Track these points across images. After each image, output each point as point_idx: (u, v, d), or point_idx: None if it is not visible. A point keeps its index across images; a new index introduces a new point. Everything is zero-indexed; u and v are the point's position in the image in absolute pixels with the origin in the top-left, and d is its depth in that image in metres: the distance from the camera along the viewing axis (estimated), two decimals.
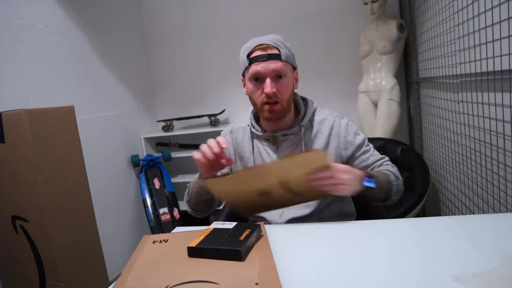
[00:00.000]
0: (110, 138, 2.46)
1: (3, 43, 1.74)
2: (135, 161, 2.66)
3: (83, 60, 2.28)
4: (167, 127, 2.88)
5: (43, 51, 1.97)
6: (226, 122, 2.93)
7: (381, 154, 1.14)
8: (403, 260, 0.68)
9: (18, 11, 1.83)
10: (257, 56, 1.02)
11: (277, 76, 1.03)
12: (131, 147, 2.71)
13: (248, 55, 1.04)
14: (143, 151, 2.82)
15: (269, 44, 1.02)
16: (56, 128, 1.49)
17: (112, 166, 2.48)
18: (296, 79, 1.12)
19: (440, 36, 1.76)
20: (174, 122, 2.95)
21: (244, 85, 1.11)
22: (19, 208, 1.48)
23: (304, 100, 1.17)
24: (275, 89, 1.02)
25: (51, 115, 1.48)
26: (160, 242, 0.85)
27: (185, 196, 1.18)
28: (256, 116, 1.18)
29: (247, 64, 1.04)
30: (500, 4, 1.13)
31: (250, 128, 1.16)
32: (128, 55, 2.80)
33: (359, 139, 1.11)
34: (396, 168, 1.09)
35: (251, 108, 1.17)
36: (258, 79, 1.04)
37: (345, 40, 2.66)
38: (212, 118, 2.77)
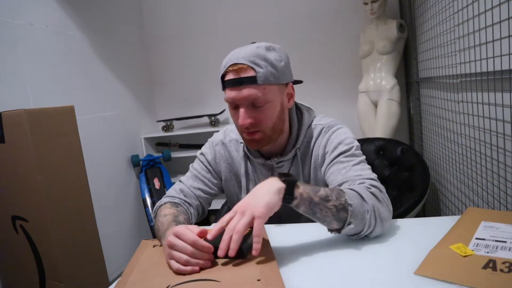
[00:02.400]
0: (110, 138, 2.46)
1: (3, 43, 1.74)
2: (135, 161, 2.66)
3: (83, 60, 2.28)
4: (167, 127, 2.88)
5: (43, 51, 1.97)
6: (226, 122, 2.94)
7: (371, 168, 0.90)
8: (403, 260, 0.68)
9: (18, 11, 1.83)
10: (229, 80, 0.87)
11: (253, 105, 0.87)
12: (131, 147, 2.71)
13: (223, 77, 0.90)
14: (143, 151, 2.82)
15: (244, 64, 0.85)
16: (56, 128, 1.49)
17: (112, 166, 2.48)
18: (291, 95, 0.95)
19: (440, 36, 1.76)
20: (174, 122, 2.95)
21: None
22: (19, 208, 1.47)
23: (300, 111, 1.02)
24: (250, 120, 0.87)
25: (51, 115, 1.48)
26: (161, 246, 0.85)
27: (152, 216, 0.99)
28: None
29: (222, 88, 0.92)
30: (500, 4, 1.13)
31: (244, 146, 1.02)
32: (128, 55, 2.80)
33: (341, 149, 0.92)
34: (373, 190, 0.80)
35: None
36: (234, 105, 0.90)
37: (345, 40, 2.66)
38: (212, 118, 2.77)
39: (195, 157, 1.12)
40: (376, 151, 2.04)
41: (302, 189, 0.73)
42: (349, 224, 0.73)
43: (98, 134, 2.34)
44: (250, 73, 0.85)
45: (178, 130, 2.87)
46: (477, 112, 1.38)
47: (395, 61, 2.33)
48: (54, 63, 2.04)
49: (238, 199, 1.04)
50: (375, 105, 2.38)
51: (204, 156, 1.08)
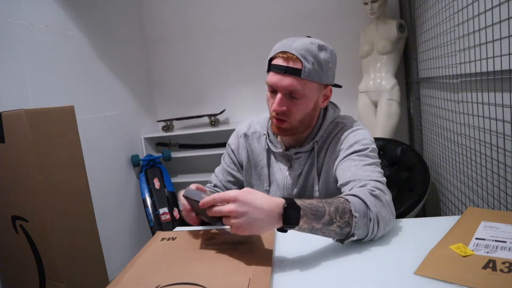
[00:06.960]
0: (110, 138, 2.46)
1: (3, 43, 1.73)
2: (135, 161, 2.66)
3: (83, 60, 2.28)
4: (167, 127, 2.88)
5: (43, 51, 1.96)
6: (226, 122, 2.93)
7: (379, 169, 0.91)
8: (403, 260, 0.68)
9: (18, 11, 1.83)
10: (276, 65, 0.90)
11: (290, 95, 0.91)
12: (131, 147, 2.71)
13: (271, 60, 0.92)
14: (143, 151, 2.82)
15: (294, 55, 0.88)
16: (56, 128, 1.49)
17: (112, 166, 2.48)
18: (327, 97, 0.98)
19: (440, 36, 1.76)
20: (174, 122, 2.95)
21: None
22: (19, 208, 1.47)
23: (326, 106, 1.03)
24: (283, 108, 0.91)
25: (51, 115, 1.48)
26: (168, 239, 0.86)
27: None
28: None
29: (267, 69, 0.94)
30: (500, 4, 1.13)
31: (267, 138, 1.06)
32: (128, 55, 2.80)
33: (356, 147, 0.93)
34: (377, 192, 0.80)
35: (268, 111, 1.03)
36: (272, 89, 0.93)
37: (345, 40, 2.65)
38: (212, 118, 2.77)
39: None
40: None
41: (304, 220, 0.68)
42: (352, 235, 0.73)
43: (98, 134, 2.34)
44: (297, 65, 0.88)
45: (178, 130, 2.87)
46: (477, 112, 1.38)
47: (395, 61, 2.33)
48: (54, 63, 2.04)
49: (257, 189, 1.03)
50: (375, 105, 2.38)
51: (230, 146, 1.16)
